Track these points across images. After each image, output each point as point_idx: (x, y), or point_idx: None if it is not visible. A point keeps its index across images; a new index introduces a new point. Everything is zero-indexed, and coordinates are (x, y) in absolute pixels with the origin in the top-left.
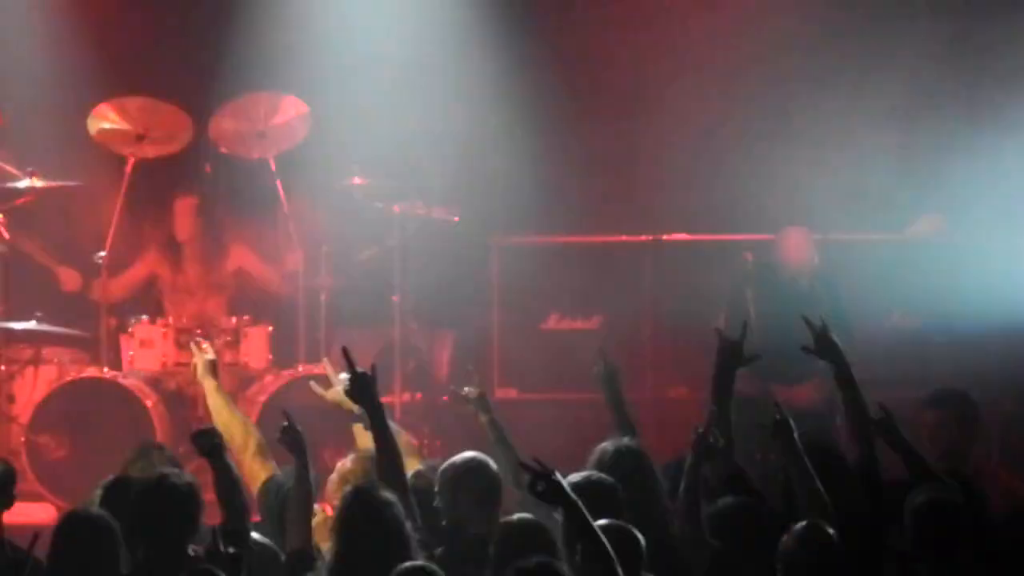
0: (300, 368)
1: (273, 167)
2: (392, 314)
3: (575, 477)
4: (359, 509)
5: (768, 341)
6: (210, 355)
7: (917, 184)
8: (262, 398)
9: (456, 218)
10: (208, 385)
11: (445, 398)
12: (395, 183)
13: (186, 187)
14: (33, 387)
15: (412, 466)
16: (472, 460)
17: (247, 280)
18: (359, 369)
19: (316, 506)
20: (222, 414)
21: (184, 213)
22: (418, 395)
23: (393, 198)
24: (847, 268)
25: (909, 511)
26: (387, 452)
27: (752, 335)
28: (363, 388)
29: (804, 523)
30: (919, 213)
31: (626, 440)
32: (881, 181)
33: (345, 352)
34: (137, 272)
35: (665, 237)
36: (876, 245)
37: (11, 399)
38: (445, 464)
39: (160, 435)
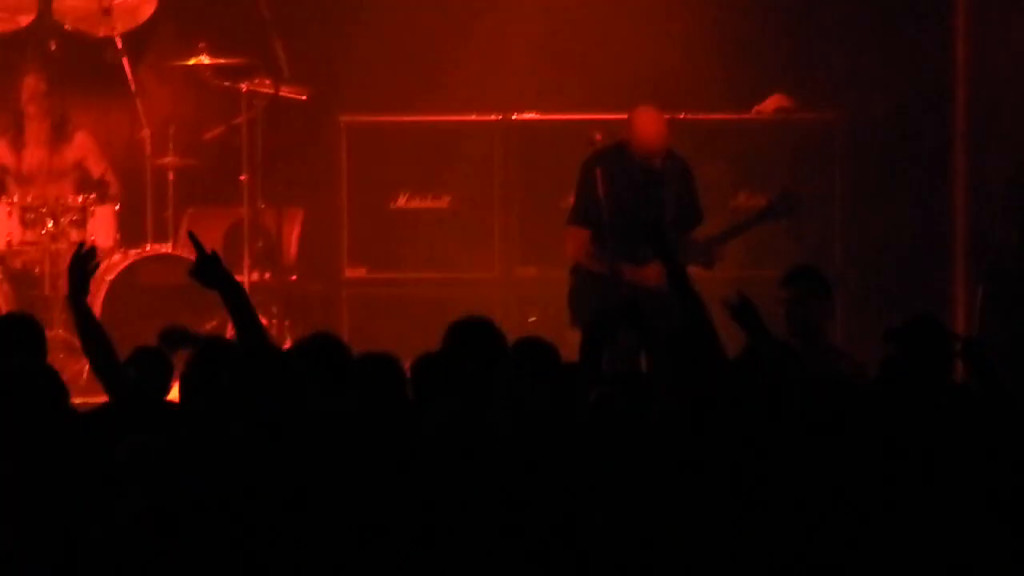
0: (148, 247)
1: (119, 45)
2: (240, 193)
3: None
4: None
5: (617, 222)
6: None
7: (763, 64)
8: (109, 277)
9: (304, 96)
10: None
11: (293, 278)
12: (242, 61)
13: (31, 67)
14: None
15: None
16: (322, 338)
17: (86, 173)
18: (204, 252)
19: None
20: None
21: (28, 91)
22: (267, 275)
23: (240, 76)
24: (696, 148)
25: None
26: (250, 330)
27: (599, 216)
28: (209, 270)
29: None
30: (766, 93)
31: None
32: (728, 61)
33: (191, 236)
34: None
35: (515, 116)
36: (723, 125)
37: None
38: (295, 343)
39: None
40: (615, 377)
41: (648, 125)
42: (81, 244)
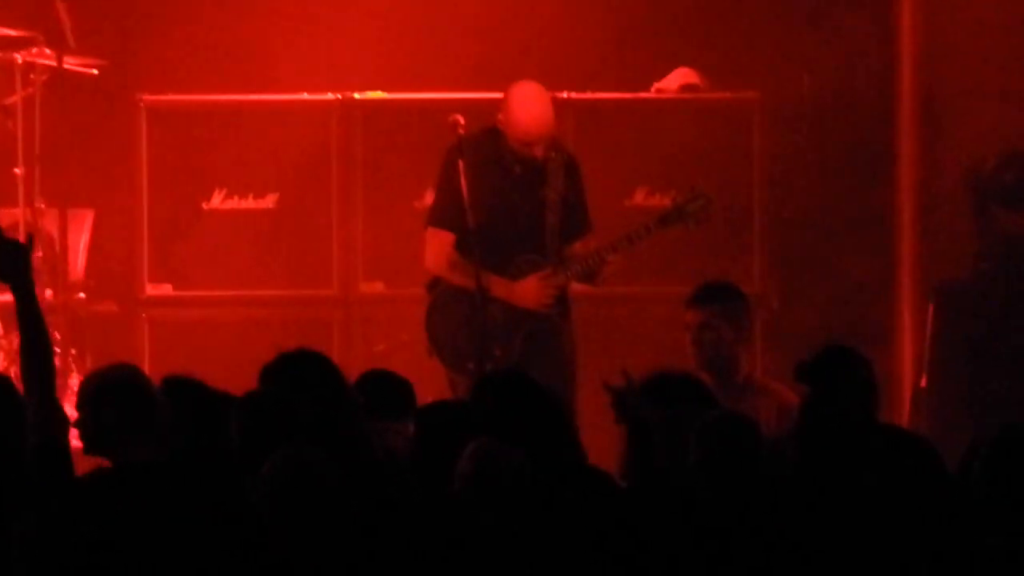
0: None
1: None
2: (14, 190)
3: None
4: None
5: (486, 227)
6: None
7: (665, 33)
8: None
9: (95, 70)
10: None
11: (82, 295)
12: (18, 28)
13: None
14: None
15: None
16: (119, 371)
17: None
18: (6, 239)
19: None
20: None
21: None
22: (48, 292)
23: (15, 46)
24: (582, 135)
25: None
26: (37, 340)
27: (463, 218)
28: (11, 259)
29: None
30: (669, 67)
31: None
32: (623, 29)
33: None
34: None
35: (357, 95)
36: (616, 106)
37: None
38: (86, 377)
39: None
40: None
41: (528, 106)
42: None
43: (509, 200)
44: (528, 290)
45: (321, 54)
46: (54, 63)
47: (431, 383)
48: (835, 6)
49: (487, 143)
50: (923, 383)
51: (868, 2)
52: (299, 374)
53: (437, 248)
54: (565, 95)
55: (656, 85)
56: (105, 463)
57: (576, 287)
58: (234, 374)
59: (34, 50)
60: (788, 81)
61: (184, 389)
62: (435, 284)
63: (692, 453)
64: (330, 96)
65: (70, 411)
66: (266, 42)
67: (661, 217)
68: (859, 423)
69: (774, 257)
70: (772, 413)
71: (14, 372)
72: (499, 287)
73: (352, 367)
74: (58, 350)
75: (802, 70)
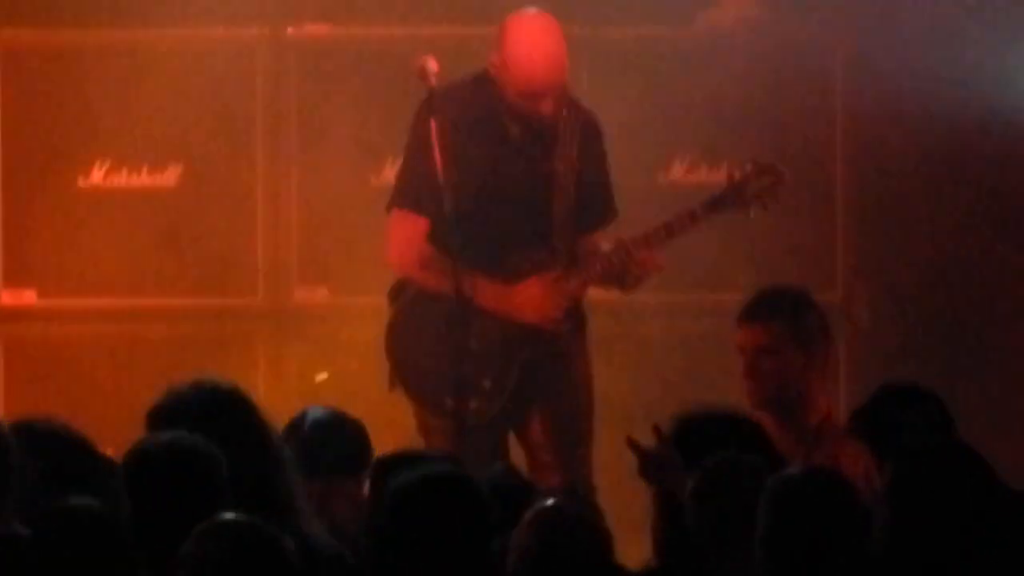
0: None
1: None
2: None
3: None
4: None
5: (471, 211)
6: None
7: None
8: None
9: None
10: None
11: None
12: None
13: None
14: None
15: None
16: None
17: None
18: None
19: None
20: None
21: None
22: None
23: None
24: (604, 85)
25: None
26: None
27: (438, 199)
28: None
29: None
30: None
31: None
32: None
33: None
34: None
35: (291, 30)
36: (651, 46)
37: None
38: None
39: None
40: None
41: (535, 43)
42: None
43: (504, 174)
44: (529, 298)
45: None
46: None
47: (394, 426)
48: None
49: (473, 96)
50: None
51: None
52: (203, 416)
53: (404, 239)
54: (576, 31)
55: (703, 16)
56: None
57: (594, 294)
58: (119, 413)
59: None
60: (887, 15)
61: (48, 438)
62: (401, 290)
63: (759, 528)
64: (254, 30)
65: None
66: None
67: (712, 200)
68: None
69: (864, 255)
70: (860, 468)
71: None
72: (489, 294)
73: (283, 404)
74: None
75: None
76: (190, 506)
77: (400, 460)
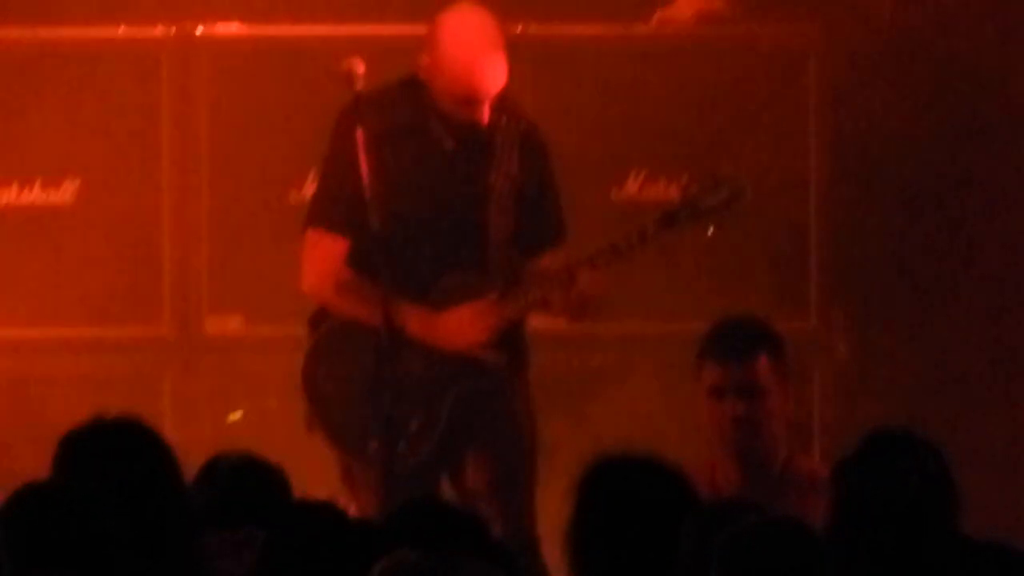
0: None
1: None
2: None
3: None
4: None
5: (399, 230)
6: None
7: None
8: None
9: None
10: None
11: None
12: None
13: None
14: None
15: None
16: None
17: None
18: None
19: None
20: None
21: None
22: None
23: None
24: (550, 90)
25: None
26: None
27: (362, 216)
28: None
29: None
30: None
31: None
32: None
33: None
34: None
35: (200, 29)
36: (603, 45)
37: None
38: None
39: None
40: None
41: (471, 43)
42: None
43: (436, 189)
44: (457, 324)
45: None
46: None
47: (313, 470)
48: None
49: (402, 102)
50: None
51: None
52: (105, 458)
53: (322, 261)
54: (519, 29)
55: (659, 14)
56: None
57: (536, 323)
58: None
59: None
60: (863, 8)
61: None
62: (321, 318)
63: None
64: (159, 29)
65: None
66: None
67: (664, 216)
68: (930, 536)
69: (839, 278)
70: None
71: None
72: (415, 321)
73: (192, 447)
74: None
75: None
76: (66, 554)
77: (306, 511)
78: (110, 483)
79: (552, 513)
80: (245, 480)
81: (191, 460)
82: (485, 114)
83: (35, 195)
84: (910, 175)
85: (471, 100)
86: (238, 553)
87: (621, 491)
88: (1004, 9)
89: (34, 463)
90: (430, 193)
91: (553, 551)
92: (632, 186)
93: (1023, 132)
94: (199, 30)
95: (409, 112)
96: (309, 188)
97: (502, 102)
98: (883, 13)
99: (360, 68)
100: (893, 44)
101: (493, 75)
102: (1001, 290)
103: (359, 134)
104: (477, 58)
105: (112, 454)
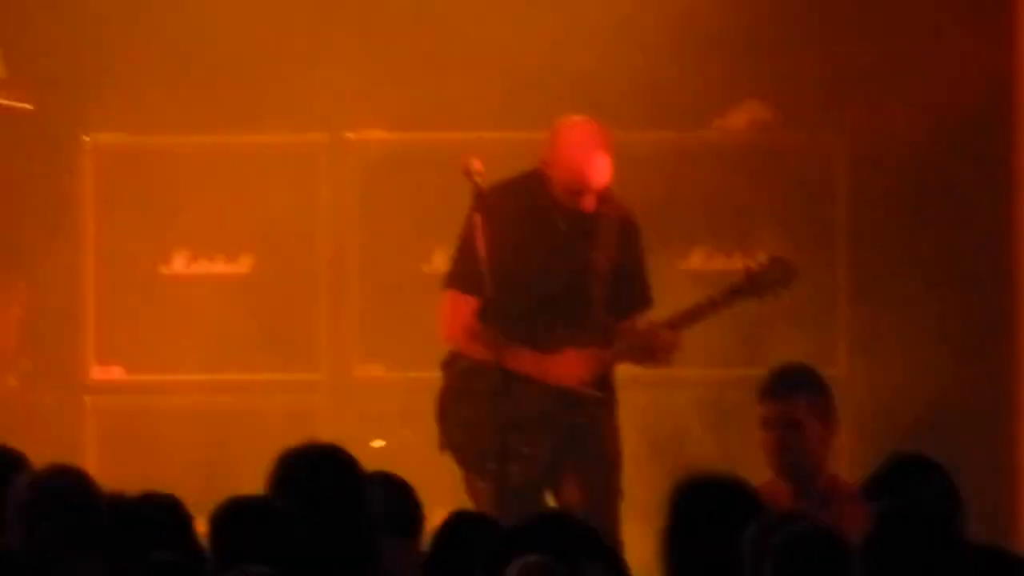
0: None
1: None
2: None
3: None
4: None
5: (516, 294)
6: None
7: (731, 65)
8: None
9: (30, 105)
10: None
11: (12, 382)
12: None
13: None
14: None
15: None
16: (59, 474)
17: None
18: None
19: None
20: None
21: None
22: None
23: None
24: (629, 181)
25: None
26: None
27: (484, 283)
28: None
29: None
30: (732, 101)
31: None
32: (680, 58)
33: None
34: None
35: (351, 135)
36: (674, 146)
37: None
38: (18, 481)
39: None
40: None
41: (586, 146)
42: None
43: (549, 263)
44: (565, 365)
45: (306, 86)
46: None
47: (445, 490)
48: (940, 29)
49: (525, 191)
50: None
51: (981, 22)
52: (313, 474)
53: (456, 315)
54: (610, 133)
55: (717, 123)
56: None
57: (622, 370)
58: (198, 475)
59: None
60: (880, 120)
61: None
62: (452, 362)
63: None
64: (317, 136)
65: None
66: (239, 72)
67: (731, 289)
68: (941, 540)
69: (861, 334)
70: (860, 527)
71: None
72: (529, 362)
73: None
74: None
75: (897, 106)
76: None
77: (456, 522)
78: (318, 495)
79: (634, 517)
80: (382, 495)
81: None
82: (592, 203)
83: (219, 266)
84: (919, 246)
85: (581, 191)
86: (402, 554)
87: (707, 503)
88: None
89: (216, 486)
90: (546, 264)
91: (634, 550)
92: (696, 259)
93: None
94: (349, 135)
95: (530, 198)
96: (436, 260)
97: (605, 193)
98: (894, 126)
99: (477, 165)
100: (902, 150)
101: (600, 172)
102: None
103: (477, 219)
104: (588, 158)
105: (321, 471)
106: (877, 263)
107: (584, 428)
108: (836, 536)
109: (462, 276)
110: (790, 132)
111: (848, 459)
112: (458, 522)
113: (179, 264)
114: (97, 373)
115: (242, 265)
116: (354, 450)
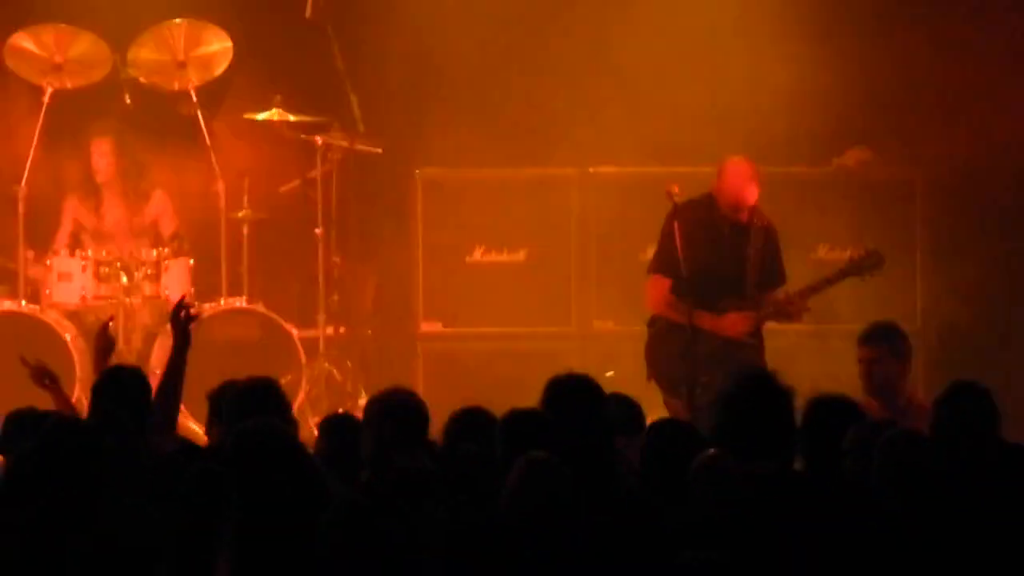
0: (222, 301)
1: (194, 98)
2: (315, 247)
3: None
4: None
5: (698, 276)
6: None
7: (843, 115)
8: None
9: (379, 150)
10: None
11: (368, 332)
12: (318, 115)
13: (102, 126)
14: None
15: None
16: (398, 392)
17: (161, 230)
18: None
19: None
20: None
21: (101, 154)
22: (341, 329)
23: (315, 129)
24: (776, 201)
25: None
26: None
27: (678, 268)
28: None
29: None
30: (845, 145)
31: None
32: (806, 113)
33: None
34: (64, 231)
35: (592, 169)
36: (802, 178)
37: None
38: (371, 397)
39: (79, 370)
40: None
41: (740, 179)
42: (182, 299)
43: (718, 255)
44: (732, 323)
45: (563, 136)
46: (347, 144)
47: (649, 405)
48: (1005, 80)
49: (703, 207)
50: None
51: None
52: (578, 395)
53: (657, 291)
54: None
55: (835, 161)
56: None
57: (768, 324)
58: (494, 394)
59: (331, 133)
60: (953, 156)
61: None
62: (654, 321)
63: (876, 465)
64: (570, 169)
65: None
66: (518, 123)
67: (841, 271)
68: (982, 438)
69: (932, 302)
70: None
71: (315, 394)
72: (707, 320)
73: None
74: (350, 375)
75: (965, 145)
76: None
77: (663, 425)
78: (576, 407)
79: None
80: (619, 407)
81: None
82: (746, 216)
83: (504, 256)
84: (977, 245)
85: (738, 208)
86: (630, 444)
87: (832, 411)
88: None
89: (502, 401)
90: (715, 257)
91: None
92: (821, 251)
93: None
94: (591, 169)
95: (706, 212)
96: (648, 252)
97: (755, 209)
98: (957, 162)
99: (676, 188)
100: (968, 179)
101: (751, 195)
102: None
103: (675, 225)
104: (743, 185)
105: (577, 391)
106: (942, 257)
107: (744, 363)
108: (918, 436)
109: (662, 263)
110: (882, 167)
111: (924, 385)
112: (663, 425)
113: (478, 254)
114: (425, 327)
115: (519, 256)
116: (596, 377)
